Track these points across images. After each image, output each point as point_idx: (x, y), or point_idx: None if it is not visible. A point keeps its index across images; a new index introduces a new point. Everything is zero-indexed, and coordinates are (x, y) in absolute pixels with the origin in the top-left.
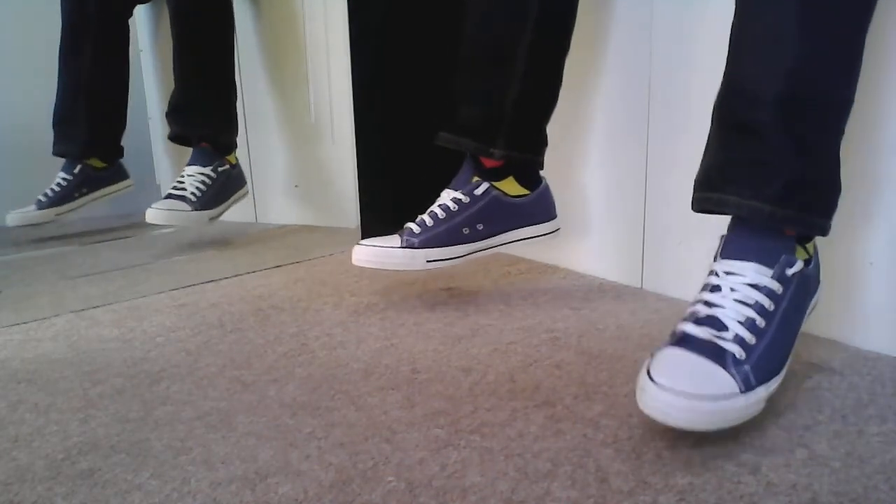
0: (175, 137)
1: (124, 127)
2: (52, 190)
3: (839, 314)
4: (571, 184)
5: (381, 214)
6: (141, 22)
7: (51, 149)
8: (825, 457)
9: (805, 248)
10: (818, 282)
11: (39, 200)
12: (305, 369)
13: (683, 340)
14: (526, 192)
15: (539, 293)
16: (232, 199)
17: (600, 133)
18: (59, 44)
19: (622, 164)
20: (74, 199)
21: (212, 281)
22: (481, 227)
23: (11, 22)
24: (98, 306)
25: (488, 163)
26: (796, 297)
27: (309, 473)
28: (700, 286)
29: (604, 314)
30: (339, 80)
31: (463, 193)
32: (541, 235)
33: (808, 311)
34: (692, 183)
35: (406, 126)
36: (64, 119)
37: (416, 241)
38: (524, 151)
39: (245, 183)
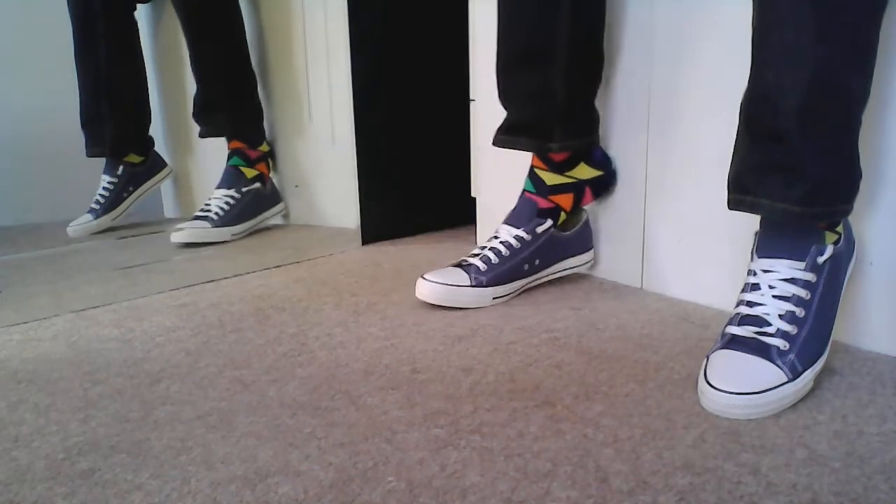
0: (206, 135)
1: (150, 118)
2: (101, 196)
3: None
4: None
5: (381, 214)
6: (140, 23)
7: (83, 150)
8: (825, 457)
9: (834, 230)
10: (852, 248)
11: (93, 209)
12: (305, 369)
13: (732, 342)
14: (599, 172)
15: (539, 293)
16: (262, 216)
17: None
18: (72, 44)
19: (622, 164)
20: (123, 199)
21: (212, 281)
22: (538, 263)
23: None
24: (98, 306)
25: (557, 157)
26: (830, 278)
27: (309, 473)
28: (741, 286)
29: (604, 314)
30: (339, 80)
31: (525, 232)
32: (579, 266)
33: (845, 281)
34: (692, 183)
35: (406, 126)
36: (91, 120)
37: (484, 279)
38: (582, 136)
39: (280, 200)
